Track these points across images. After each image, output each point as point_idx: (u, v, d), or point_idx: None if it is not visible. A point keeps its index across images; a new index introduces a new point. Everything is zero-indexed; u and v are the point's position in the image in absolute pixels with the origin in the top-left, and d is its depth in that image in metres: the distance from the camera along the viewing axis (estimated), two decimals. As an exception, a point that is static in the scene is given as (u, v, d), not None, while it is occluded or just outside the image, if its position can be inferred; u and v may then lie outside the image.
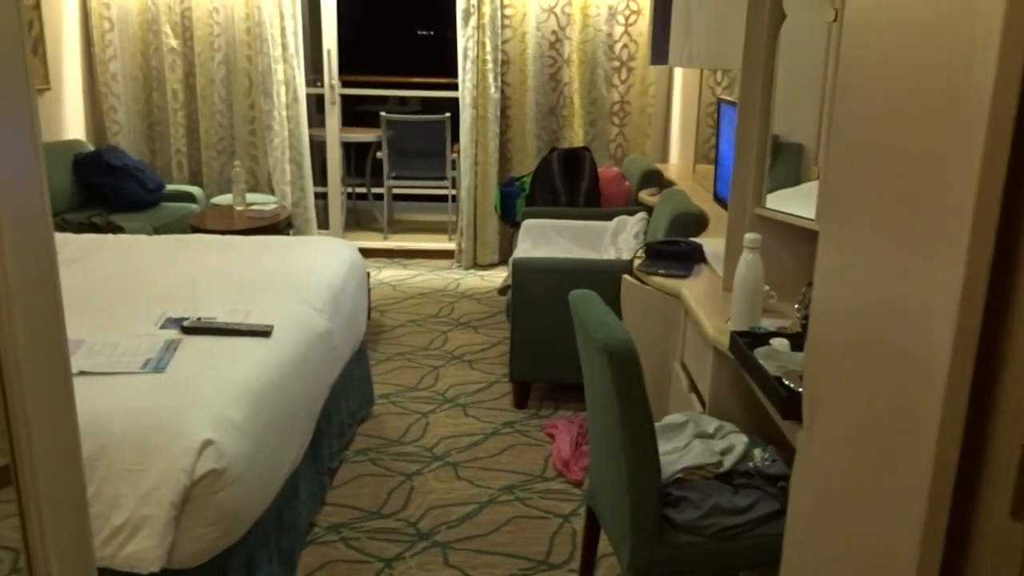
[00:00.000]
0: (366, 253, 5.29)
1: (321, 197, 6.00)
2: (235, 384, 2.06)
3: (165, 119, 5.57)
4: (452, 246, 5.86)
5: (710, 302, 2.46)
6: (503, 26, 5.37)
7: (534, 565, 2.53)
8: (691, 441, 2.08)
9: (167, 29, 5.39)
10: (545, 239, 4.16)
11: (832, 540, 0.97)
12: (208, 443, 1.84)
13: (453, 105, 5.79)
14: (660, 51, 4.08)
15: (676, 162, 5.22)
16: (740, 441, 2.08)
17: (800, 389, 1.71)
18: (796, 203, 2.35)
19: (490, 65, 5.34)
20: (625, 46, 5.41)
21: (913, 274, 0.77)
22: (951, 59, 0.71)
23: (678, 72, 5.29)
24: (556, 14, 5.36)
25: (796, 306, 1.88)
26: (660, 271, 2.78)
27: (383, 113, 5.98)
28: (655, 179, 4.50)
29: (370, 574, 2.46)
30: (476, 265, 5.68)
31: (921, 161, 0.76)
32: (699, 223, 3.34)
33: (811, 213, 2.23)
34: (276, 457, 2.14)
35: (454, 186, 6.10)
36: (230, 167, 5.50)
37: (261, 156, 5.60)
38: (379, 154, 6.22)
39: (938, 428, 0.71)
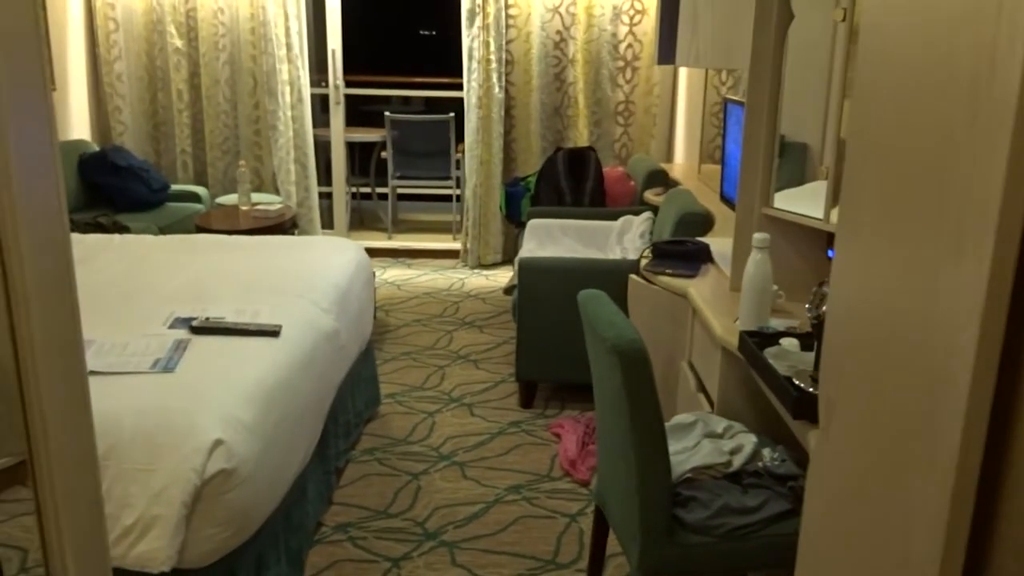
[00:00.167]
0: (370, 253, 5.29)
1: (325, 197, 6.00)
2: (245, 384, 2.06)
3: (170, 119, 5.57)
4: (457, 246, 5.86)
5: (718, 302, 2.46)
6: (508, 26, 5.37)
7: (541, 565, 2.53)
8: (700, 441, 2.08)
9: (172, 29, 5.39)
10: (551, 239, 4.16)
11: (849, 541, 0.97)
12: (218, 443, 1.84)
13: (456, 105, 5.79)
14: (667, 51, 4.08)
15: (681, 162, 5.21)
16: (749, 441, 2.08)
17: (811, 389, 1.72)
18: (802, 203, 2.35)
19: (494, 65, 5.34)
20: (630, 46, 5.41)
21: (935, 275, 0.77)
22: (974, 57, 0.70)
23: (683, 72, 5.29)
24: (560, 14, 5.36)
25: (807, 306, 1.88)
26: (667, 271, 2.78)
27: (387, 113, 5.99)
28: (660, 179, 4.50)
29: (378, 573, 2.46)
30: (480, 265, 5.68)
31: (943, 161, 0.76)
32: (705, 223, 3.34)
33: (818, 212, 2.23)
34: (285, 457, 2.14)
35: (458, 186, 6.10)
36: (235, 167, 5.51)
37: (266, 156, 5.61)
38: (383, 154, 6.23)
39: (961, 429, 0.71)
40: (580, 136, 5.52)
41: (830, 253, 2.40)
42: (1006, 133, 0.64)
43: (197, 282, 2.83)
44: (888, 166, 0.88)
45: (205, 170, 5.65)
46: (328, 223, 5.99)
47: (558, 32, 5.40)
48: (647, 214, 4.07)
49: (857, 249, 0.96)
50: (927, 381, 0.78)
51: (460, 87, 5.53)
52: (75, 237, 3.38)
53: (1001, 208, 0.64)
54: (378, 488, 2.92)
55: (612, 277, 3.18)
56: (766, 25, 2.34)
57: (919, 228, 0.80)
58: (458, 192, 6.11)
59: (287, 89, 5.44)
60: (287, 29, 5.36)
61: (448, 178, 6.15)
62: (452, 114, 5.90)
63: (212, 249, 3.30)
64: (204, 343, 2.28)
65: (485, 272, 5.60)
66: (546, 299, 3.41)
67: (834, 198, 2.18)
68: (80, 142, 5.05)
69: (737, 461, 2.02)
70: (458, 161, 6.05)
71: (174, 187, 5.19)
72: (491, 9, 5.25)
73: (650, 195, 4.36)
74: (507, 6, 5.32)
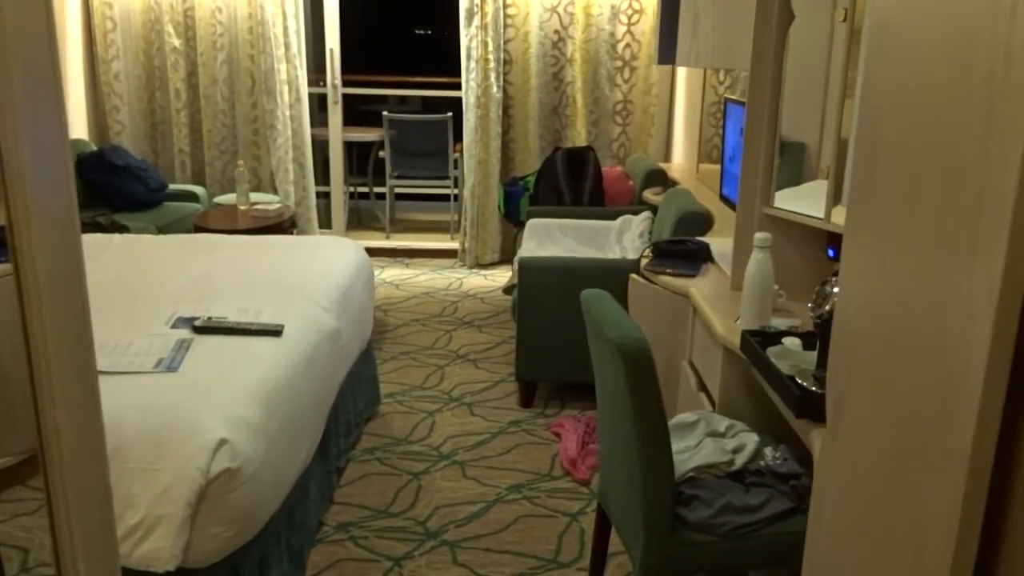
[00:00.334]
0: (368, 252, 5.28)
1: (323, 196, 6.00)
2: (248, 383, 2.06)
3: (168, 119, 5.57)
4: (455, 245, 5.86)
5: (718, 301, 2.46)
6: (506, 25, 5.37)
7: (543, 564, 2.53)
8: (702, 440, 2.09)
9: (170, 28, 5.39)
10: (550, 238, 4.16)
11: (860, 537, 0.97)
12: (223, 442, 1.84)
13: (453, 104, 5.79)
14: (667, 51, 4.09)
15: (679, 161, 5.22)
16: (751, 440, 2.09)
17: (814, 388, 1.73)
18: (800, 202, 2.36)
19: (493, 64, 5.34)
20: (628, 45, 5.41)
21: (948, 272, 0.77)
22: (989, 54, 0.71)
23: (681, 71, 5.30)
24: (559, 13, 5.37)
25: (809, 305, 1.88)
26: (668, 270, 2.79)
27: (385, 113, 5.99)
28: (659, 178, 4.51)
29: (379, 573, 2.46)
30: (479, 264, 5.69)
31: (956, 160, 0.77)
32: (705, 222, 3.34)
33: (818, 212, 2.24)
34: (288, 456, 2.15)
35: (456, 185, 6.10)
36: (233, 167, 5.51)
37: (264, 155, 5.61)
38: (381, 153, 6.23)
39: (975, 426, 0.71)
40: (578, 136, 5.53)
41: (830, 252, 2.41)
42: (1020, 133, 0.64)
43: (199, 282, 2.83)
44: (900, 165, 0.89)
45: (203, 169, 5.64)
46: (326, 223, 5.99)
47: (556, 32, 5.41)
48: (646, 214, 4.08)
49: (867, 247, 0.97)
50: (940, 378, 0.79)
51: (458, 87, 5.53)
52: (74, 237, 3.37)
53: (1015, 206, 0.65)
54: (379, 487, 2.92)
55: (612, 277, 3.19)
56: (767, 25, 2.35)
57: (932, 226, 0.81)
58: (456, 192, 6.11)
59: (285, 89, 5.44)
60: (285, 28, 5.35)
61: (446, 177, 6.16)
62: (450, 113, 5.91)
63: (213, 249, 3.29)
64: (207, 343, 2.28)
65: (483, 272, 5.60)
66: (546, 298, 3.42)
67: (835, 197, 2.19)
68: (78, 141, 5.05)
69: (739, 460, 2.02)
70: (456, 161, 6.05)
71: (172, 186, 5.18)
72: (489, 8, 5.25)
73: (649, 195, 4.36)
74: (505, 5, 5.33)
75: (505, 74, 5.45)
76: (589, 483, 2.98)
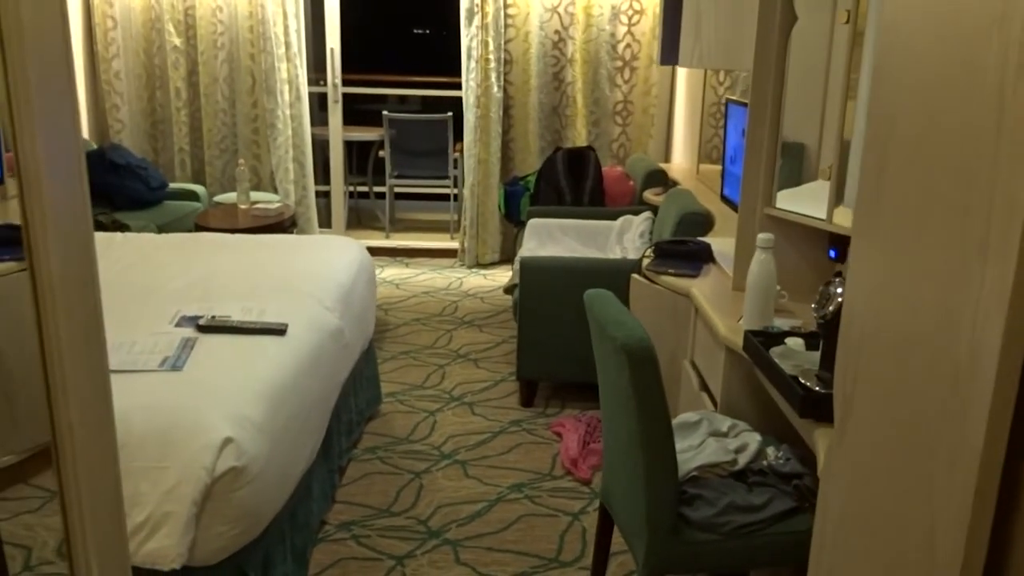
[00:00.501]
0: (368, 252, 5.30)
1: (322, 196, 6.00)
2: (253, 382, 2.07)
3: (168, 117, 5.57)
4: (454, 245, 5.87)
5: (720, 301, 2.47)
6: (506, 25, 5.38)
7: (545, 563, 2.54)
8: (705, 439, 2.10)
9: (170, 27, 5.39)
10: (551, 238, 4.17)
11: (868, 536, 0.98)
12: (228, 441, 1.85)
13: (453, 104, 5.80)
14: (670, 52, 4.10)
15: (679, 162, 5.23)
16: (753, 440, 2.10)
17: (817, 388, 1.74)
18: (800, 203, 2.37)
19: (493, 64, 5.35)
20: (628, 46, 5.42)
21: (957, 275, 0.78)
22: (1000, 58, 0.72)
23: (681, 72, 5.31)
24: (559, 14, 5.37)
25: (813, 306, 1.89)
26: (669, 270, 2.80)
27: (385, 112, 5.99)
28: (659, 179, 4.52)
29: (382, 571, 2.47)
30: (478, 264, 5.69)
31: (968, 164, 0.77)
32: (706, 223, 3.35)
33: (819, 212, 2.25)
34: (293, 455, 2.15)
35: (456, 185, 6.11)
36: (233, 165, 5.51)
37: (264, 154, 5.61)
38: (381, 153, 6.23)
39: (986, 425, 0.72)
40: (578, 136, 5.54)
41: (832, 253, 2.42)
42: (1033, 137, 0.65)
43: (202, 281, 2.84)
44: (909, 167, 0.90)
45: (203, 168, 5.64)
46: (325, 222, 6.00)
47: (556, 32, 5.41)
48: (647, 214, 4.09)
49: (875, 248, 0.98)
50: (949, 379, 0.80)
51: (458, 86, 5.54)
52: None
53: (1028, 210, 0.66)
54: (380, 486, 2.93)
55: (614, 277, 3.20)
56: (769, 27, 2.36)
57: (942, 228, 0.82)
58: (456, 191, 6.12)
59: (286, 88, 5.44)
60: (286, 28, 5.36)
61: (446, 177, 6.16)
62: (450, 113, 5.91)
63: (215, 248, 3.30)
64: (211, 341, 2.29)
65: (483, 271, 5.61)
66: (547, 298, 3.43)
67: (837, 198, 2.20)
68: (78, 140, 5.04)
69: (742, 459, 2.03)
70: (456, 160, 6.05)
71: (172, 185, 5.18)
72: (490, 8, 5.26)
73: (649, 195, 4.37)
74: (506, 5, 5.33)
75: (505, 74, 5.46)
76: (590, 483, 2.99)
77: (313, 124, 5.68)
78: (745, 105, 2.88)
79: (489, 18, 5.27)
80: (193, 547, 1.80)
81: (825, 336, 1.79)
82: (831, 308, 1.74)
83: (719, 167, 3.95)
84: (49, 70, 0.92)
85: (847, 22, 2.16)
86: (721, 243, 2.94)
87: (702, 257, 2.91)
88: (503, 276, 5.47)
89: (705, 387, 2.52)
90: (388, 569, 2.48)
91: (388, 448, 3.20)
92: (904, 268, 0.90)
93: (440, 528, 2.69)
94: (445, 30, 5.79)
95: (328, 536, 2.63)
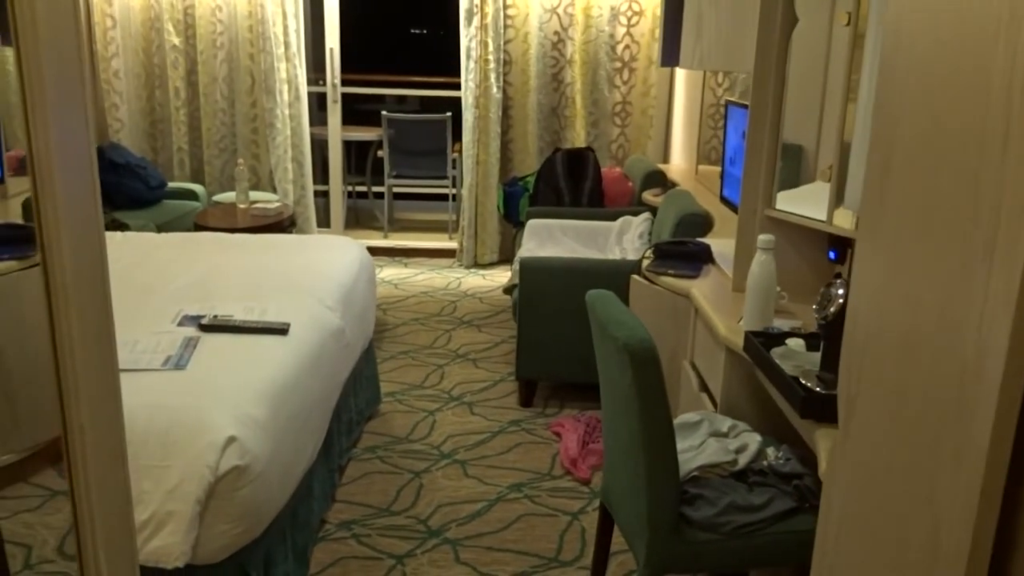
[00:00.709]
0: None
1: (321, 195, 6.01)
2: (256, 381, 2.08)
3: (167, 116, 5.57)
4: (453, 245, 5.88)
5: (720, 302, 2.48)
6: (506, 26, 5.39)
7: (545, 562, 2.55)
8: (706, 439, 2.11)
9: (169, 27, 5.39)
10: (550, 239, 4.18)
11: (873, 535, 0.99)
12: (232, 440, 1.85)
13: (452, 104, 5.81)
14: (671, 53, 4.11)
15: (678, 163, 5.25)
16: (754, 440, 2.11)
17: (818, 389, 1.75)
18: (799, 204, 2.38)
19: (492, 65, 5.36)
20: (627, 47, 5.44)
21: (963, 277, 0.79)
22: (1008, 60, 0.73)
23: (680, 73, 5.32)
24: (559, 15, 5.39)
25: (814, 307, 1.90)
26: (669, 271, 2.81)
27: (384, 112, 6.00)
28: (658, 180, 4.53)
29: (382, 570, 2.48)
30: (477, 264, 5.70)
31: (973, 165, 0.79)
32: (705, 224, 3.37)
33: (818, 214, 2.27)
34: (295, 454, 2.16)
35: (454, 185, 6.12)
36: (232, 165, 5.51)
37: (263, 154, 5.61)
38: (380, 153, 6.24)
39: (991, 426, 0.73)
40: (577, 137, 5.55)
41: (831, 254, 2.43)
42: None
43: (203, 280, 2.84)
44: (915, 169, 0.91)
45: (202, 168, 5.65)
46: (324, 222, 6.00)
47: (556, 33, 5.42)
48: (646, 215, 4.10)
49: (880, 249, 0.99)
50: (954, 380, 0.81)
51: (457, 87, 5.55)
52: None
53: (1034, 213, 0.67)
54: (380, 486, 2.94)
55: (613, 277, 3.20)
56: (770, 29, 2.37)
57: (947, 230, 0.83)
58: (454, 191, 6.13)
59: (285, 87, 5.44)
60: (285, 27, 5.36)
61: (444, 177, 6.17)
62: (449, 113, 5.92)
63: (215, 247, 3.30)
64: (214, 341, 2.29)
65: (482, 271, 5.62)
66: (547, 299, 3.44)
67: (837, 199, 2.21)
68: (77, 139, 5.03)
69: (742, 460, 2.05)
70: (454, 160, 6.06)
71: (171, 185, 5.18)
72: (489, 9, 5.27)
73: (648, 196, 4.39)
74: (505, 6, 5.34)
75: (505, 74, 5.47)
76: (590, 482, 3.00)
77: (312, 124, 5.69)
78: (745, 107, 2.89)
79: (488, 19, 5.28)
80: (196, 545, 1.81)
81: (826, 337, 1.80)
82: (832, 309, 1.75)
83: (718, 168, 3.96)
84: (63, 70, 0.93)
85: (847, 24, 2.18)
86: (721, 244, 2.95)
87: (702, 258, 2.92)
88: (502, 276, 5.47)
89: (705, 387, 2.53)
90: (388, 568, 2.49)
91: (388, 448, 3.20)
92: (909, 269, 0.91)
93: (440, 527, 2.70)
94: (444, 30, 5.80)
95: (328, 535, 2.63)
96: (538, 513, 2.80)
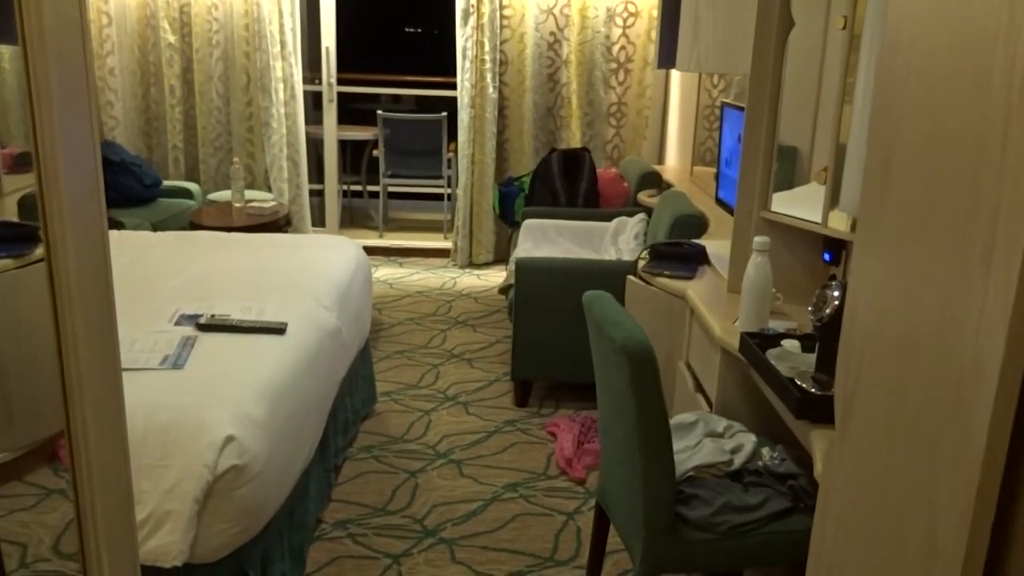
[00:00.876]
0: (363, 251, 5.30)
1: (316, 195, 6.01)
2: (254, 381, 2.08)
3: (162, 115, 5.56)
4: (448, 245, 5.88)
5: (716, 304, 2.50)
6: (502, 26, 5.40)
7: (540, 562, 2.56)
8: (702, 440, 2.12)
9: (165, 24, 5.38)
10: (546, 239, 4.19)
11: (869, 535, 1.00)
12: (230, 439, 1.86)
13: (447, 104, 5.81)
14: (667, 55, 4.13)
15: (673, 164, 5.26)
16: (749, 440, 2.12)
17: (813, 390, 1.76)
18: (794, 205, 2.39)
19: (488, 65, 5.37)
20: (623, 48, 5.45)
21: (961, 280, 0.80)
22: (1008, 62, 0.74)
23: (675, 74, 5.34)
24: (555, 15, 5.40)
25: (809, 308, 1.92)
26: (665, 272, 2.82)
27: (380, 112, 6.00)
28: (653, 181, 4.55)
29: (378, 570, 2.48)
30: (472, 264, 5.71)
31: (972, 168, 0.80)
32: (700, 225, 3.38)
33: (813, 216, 2.28)
34: (292, 454, 2.16)
35: (449, 185, 6.12)
36: (227, 164, 5.51)
37: (258, 153, 5.61)
38: (375, 152, 6.24)
39: (988, 427, 0.74)
40: (573, 137, 5.56)
41: (826, 256, 2.45)
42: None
43: (200, 279, 2.84)
44: (914, 172, 0.92)
45: (197, 166, 5.64)
46: (319, 221, 6.00)
47: (552, 33, 5.44)
48: (641, 215, 4.12)
49: (878, 251, 1.00)
50: (954, 381, 0.82)
51: (453, 86, 5.55)
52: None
53: (1032, 218, 0.68)
54: (376, 485, 2.94)
55: (609, 278, 3.22)
56: (767, 32, 2.38)
57: (946, 233, 0.84)
58: (449, 191, 6.14)
59: (281, 86, 5.44)
60: (281, 26, 5.36)
61: (440, 177, 6.17)
62: (445, 113, 5.93)
63: (212, 246, 3.30)
64: (211, 340, 2.30)
65: (476, 271, 5.62)
66: (543, 299, 3.45)
67: (832, 201, 2.23)
68: (72, 137, 5.02)
69: (738, 460, 2.06)
70: (450, 160, 6.07)
71: (166, 183, 5.18)
72: (485, 9, 5.27)
73: (644, 197, 4.40)
74: (501, 7, 5.35)
75: (500, 75, 5.48)
76: (585, 482, 3.01)
77: (307, 123, 5.69)
78: (741, 109, 2.90)
79: (485, 19, 5.29)
80: (194, 544, 1.81)
81: (822, 338, 1.81)
82: (828, 311, 1.76)
83: (713, 169, 3.98)
84: (68, 70, 0.93)
85: (843, 28, 2.19)
86: (716, 245, 2.97)
87: (697, 259, 2.93)
88: (496, 276, 5.48)
89: (700, 388, 2.54)
90: (384, 568, 2.49)
91: (383, 447, 3.21)
92: (907, 270, 0.92)
93: (436, 527, 2.71)
94: (439, 30, 5.82)
95: (324, 534, 2.64)
96: (534, 513, 2.81)
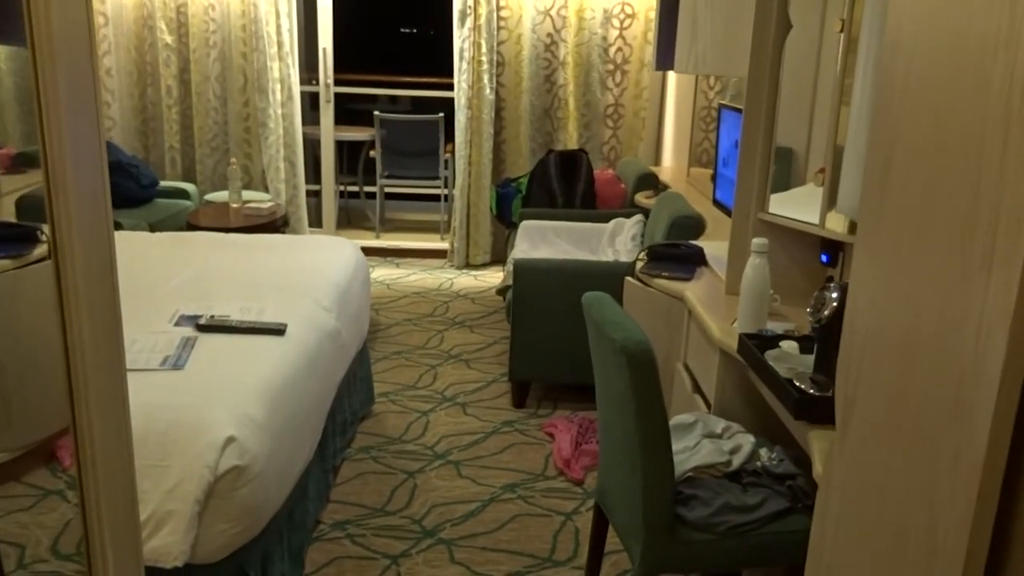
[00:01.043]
0: (360, 252, 5.30)
1: (313, 195, 6.01)
2: (254, 382, 2.08)
3: (159, 115, 5.56)
4: (444, 245, 5.89)
5: (714, 305, 2.51)
6: (499, 28, 5.40)
7: (539, 562, 2.56)
8: (700, 440, 2.13)
9: (162, 25, 5.38)
10: (543, 240, 4.20)
11: (870, 535, 1.01)
12: (231, 439, 1.86)
13: (444, 104, 5.82)
14: (665, 57, 4.14)
15: (669, 165, 5.28)
16: (747, 441, 2.13)
17: (811, 391, 1.77)
18: (790, 207, 2.40)
19: (485, 66, 5.37)
20: (620, 49, 5.46)
21: (962, 283, 0.81)
22: (1009, 69, 0.75)
23: (671, 76, 5.35)
24: (552, 16, 5.41)
25: (808, 310, 1.93)
26: (663, 273, 2.83)
27: (377, 112, 6.01)
28: (650, 182, 4.56)
29: (377, 570, 2.49)
30: (468, 265, 5.72)
31: (972, 172, 0.81)
32: (698, 226, 3.39)
33: (810, 217, 2.29)
34: (292, 454, 2.17)
35: (446, 186, 6.13)
36: (224, 164, 5.51)
37: (255, 153, 5.61)
38: (372, 153, 6.24)
39: (989, 428, 0.75)
40: (570, 138, 5.57)
41: (824, 257, 2.46)
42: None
43: (199, 280, 2.85)
44: (914, 176, 0.93)
45: (193, 167, 5.63)
46: (316, 221, 6.00)
47: (549, 35, 5.44)
48: (638, 217, 4.13)
49: (878, 254, 1.01)
50: (955, 382, 0.83)
51: (450, 87, 5.56)
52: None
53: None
54: (374, 486, 2.95)
55: (607, 279, 3.22)
56: (765, 34, 2.39)
57: (946, 236, 0.85)
58: (446, 192, 6.14)
59: (277, 87, 5.44)
60: (278, 27, 5.36)
61: (436, 178, 6.18)
62: (442, 114, 5.93)
63: (210, 247, 3.31)
64: (211, 341, 2.30)
65: (474, 272, 5.63)
66: (540, 300, 3.45)
67: (829, 203, 2.24)
68: (69, 137, 5.01)
69: (736, 461, 2.07)
70: (447, 161, 6.08)
71: (162, 183, 5.17)
72: (482, 10, 5.28)
73: (641, 198, 4.41)
74: (498, 8, 5.36)
75: (497, 76, 5.48)
76: (583, 483, 3.02)
77: (304, 123, 5.69)
78: (738, 110, 2.91)
79: (482, 20, 5.30)
80: (195, 545, 1.82)
81: (820, 340, 1.82)
82: (827, 312, 1.77)
83: (709, 171, 3.99)
84: (76, 73, 0.94)
85: (840, 31, 2.20)
86: (713, 247, 2.98)
87: (695, 260, 2.94)
88: (494, 277, 5.49)
89: (698, 389, 2.55)
90: (383, 568, 2.50)
91: (381, 448, 3.21)
92: (908, 273, 0.93)
93: (434, 527, 2.71)
94: (436, 31, 5.82)
95: (323, 535, 2.64)
96: (532, 513, 2.82)
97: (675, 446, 2.10)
